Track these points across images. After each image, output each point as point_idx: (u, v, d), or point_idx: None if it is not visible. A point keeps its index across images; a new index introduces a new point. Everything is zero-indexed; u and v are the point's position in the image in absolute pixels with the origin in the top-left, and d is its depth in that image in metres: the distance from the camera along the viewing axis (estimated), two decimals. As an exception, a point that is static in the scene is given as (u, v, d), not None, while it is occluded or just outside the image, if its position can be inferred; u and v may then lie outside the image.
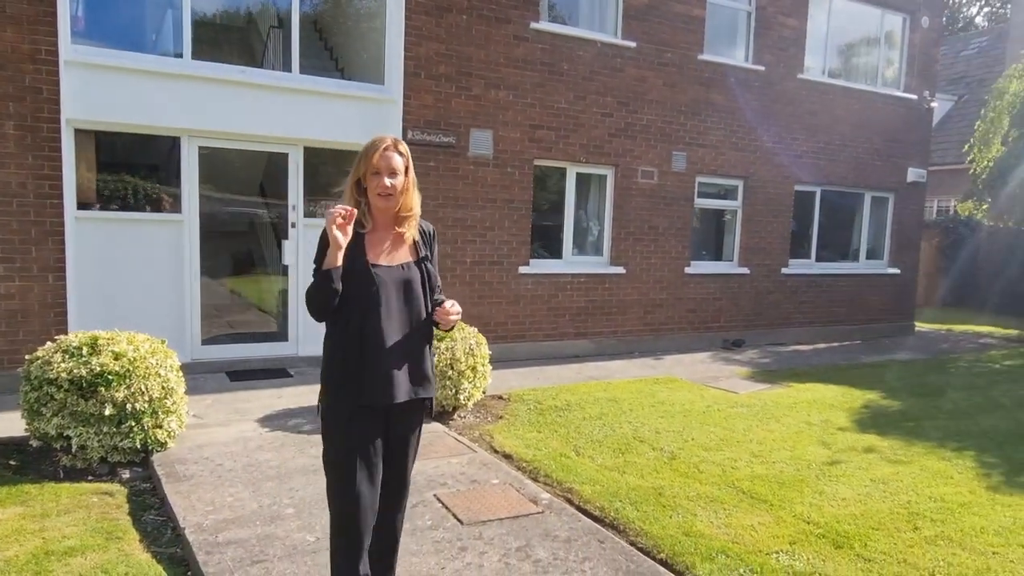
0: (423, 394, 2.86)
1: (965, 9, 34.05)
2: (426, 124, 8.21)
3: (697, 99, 10.02)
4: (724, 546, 3.84)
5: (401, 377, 2.77)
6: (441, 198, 8.32)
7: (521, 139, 8.80)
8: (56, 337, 5.24)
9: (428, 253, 2.92)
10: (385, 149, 2.76)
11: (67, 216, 6.75)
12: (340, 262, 2.66)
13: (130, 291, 7.20)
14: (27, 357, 5.04)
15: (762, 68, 10.52)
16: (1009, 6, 30.12)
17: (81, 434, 4.80)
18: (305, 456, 5.10)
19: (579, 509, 4.31)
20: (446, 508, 4.18)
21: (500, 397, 7.05)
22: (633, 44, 9.37)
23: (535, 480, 4.82)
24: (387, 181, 2.74)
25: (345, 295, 2.71)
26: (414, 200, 2.85)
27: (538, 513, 4.15)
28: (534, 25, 8.70)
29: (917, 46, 12.18)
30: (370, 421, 2.77)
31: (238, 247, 8.60)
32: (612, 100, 9.36)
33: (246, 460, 5.01)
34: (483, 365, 6.37)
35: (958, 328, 14.11)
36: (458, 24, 8.28)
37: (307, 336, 8.05)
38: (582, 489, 4.60)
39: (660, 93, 9.70)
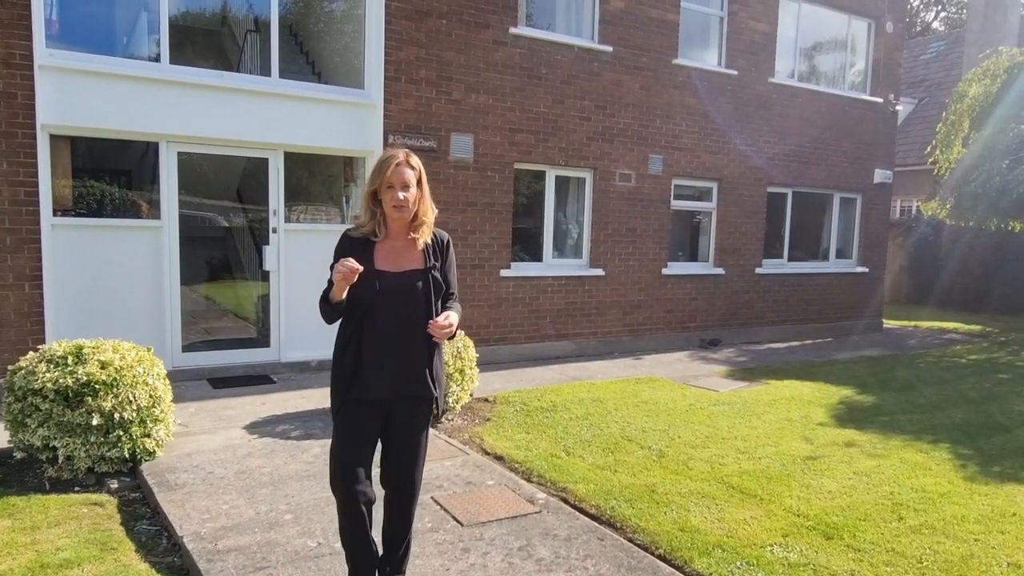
0: (419, 392, 3.00)
1: (923, 14, 35.00)
2: (407, 128, 8.22)
3: (672, 103, 10.17)
4: (720, 540, 3.93)
5: (395, 375, 2.94)
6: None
7: (501, 143, 8.85)
8: (39, 347, 5.16)
9: (437, 261, 3.06)
10: (397, 164, 2.90)
11: (43, 223, 6.62)
12: (344, 296, 2.86)
13: (109, 299, 7.09)
14: (9, 368, 4.95)
15: (734, 72, 10.72)
16: (965, 12, 31.04)
17: (68, 444, 4.73)
18: (297, 462, 5.09)
19: (575, 508, 4.37)
20: (445, 510, 4.21)
21: (486, 399, 7.09)
22: (610, 48, 9.49)
23: (529, 480, 4.87)
24: (400, 195, 2.89)
25: (350, 297, 2.88)
26: (427, 210, 3.00)
27: (536, 513, 4.21)
28: (513, 30, 8.76)
29: (882, 51, 12.53)
30: (364, 415, 2.95)
31: (218, 253, 8.52)
32: (590, 104, 9.47)
33: (237, 467, 4.98)
34: (471, 368, 6.41)
35: (924, 324, 14.51)
36: (438, 29, 8.31)
37: (289, 342, 8.01)
38: (576, 488, 4.66)
39: (636, 97, 9.84)
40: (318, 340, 8.07)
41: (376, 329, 2.90)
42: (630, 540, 3.95)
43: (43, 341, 6.58)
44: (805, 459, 5.41)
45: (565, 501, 4.48)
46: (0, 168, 6.41)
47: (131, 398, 4.90)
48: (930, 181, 19.77)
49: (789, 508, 4.40)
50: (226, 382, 7.49)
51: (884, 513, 4.39)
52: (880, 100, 12.54)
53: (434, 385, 3.03)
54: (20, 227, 6.53)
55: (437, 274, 3.02)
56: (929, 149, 14.96)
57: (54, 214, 6.79)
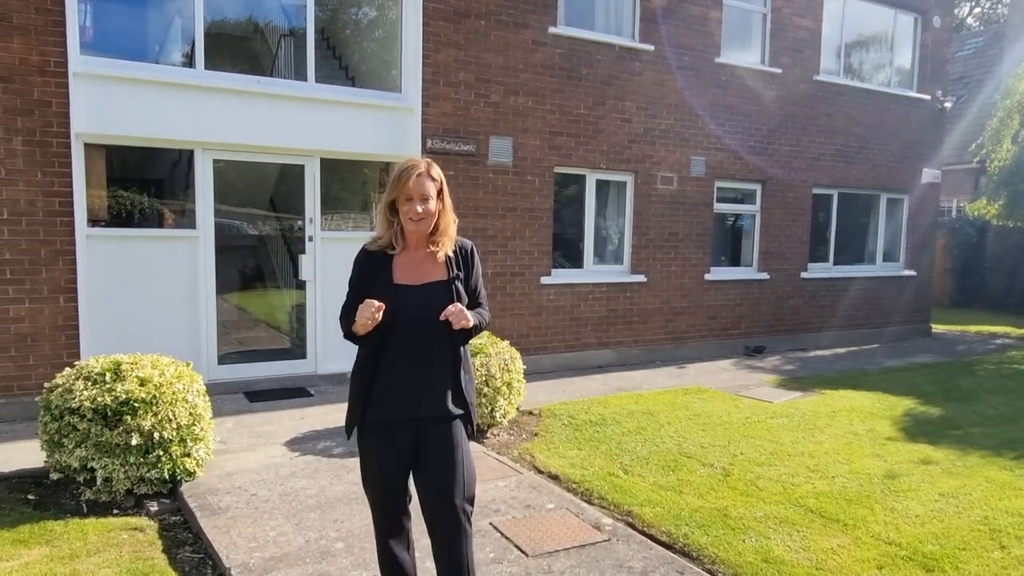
0: (445, 411, 2.79)
1: (956, 10, 34.18)
2: (445, 132, 7.98)
3: (715, 102, 9.84)
4: (809, 573, 3.60)
5: (418, 393, 2.77)
6: (462, 207, 8.06)
7: (541, 146, 8.58)
8: (75, 363, 4.98)
9: (461, 272, 2.89)
10: (418, 176, 2.74)
11: (78, 234, 6.46)
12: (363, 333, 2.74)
13: (143, 311, 6.92)
14: (46, 385, 4.76)
15: (778, 70, 10.35)
16: (999, 7, 30.27)
17: (106, 466, 4.53)
18: (343, 483, 4.84)
19: (645, 535, 4.06)
20: (506, 538, 3.93)
21: (531, 412, 6.81)
22: (651, 47, 9.18)
23: (589, 502, 4.57)
24: (418, 207, 2.74)
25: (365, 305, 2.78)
26: (448, 222, 2.84)
27: (604, 541, 3.90)
28: (552, 30, 8.50)
29: (929, 46, 12.07)
30: (389, 435, 2.79)
31: (253, 263, 8.34)
32: (631, 105, 9.16)
33: (281, 489, 4.74)
34: (518, 381, 6.13)
35: (972, 329, 13.96)
36: (476, 30, 8.07)
37: (326, 354, 7.78)
38: (642, 512, 4.36)
39: (678, 97, 9.51)
40: (356, 351, 7.85)
41: (397, 346, 2.74)
42: (710, 573, 3.63)
43: (78, 355, 6.43)
44: (882, 479, 5.05)
45: (632, 527, 4.18)
46: (35, 178, 6.26)
47: (171, 416, 4.68)
48: (971, 180, 19.20)
49: (878, 535, 4.06)
50: (262, 395, 7.28)
51: (983, 541, 4.03)
52: (928, 97, 12.08)
53: (463, 402, 2.84)
54: (54, 238, 6.37)
55: (460, 285, 2.84)
56: (974, 147, 14.48)
57: (88, 225, 6.63)
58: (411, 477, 2.86)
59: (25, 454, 5.41)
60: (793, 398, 7.67)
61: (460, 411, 2.82)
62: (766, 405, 7.31)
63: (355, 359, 2.86)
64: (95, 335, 6.61)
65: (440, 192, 2.80)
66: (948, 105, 12.33)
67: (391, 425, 2.77)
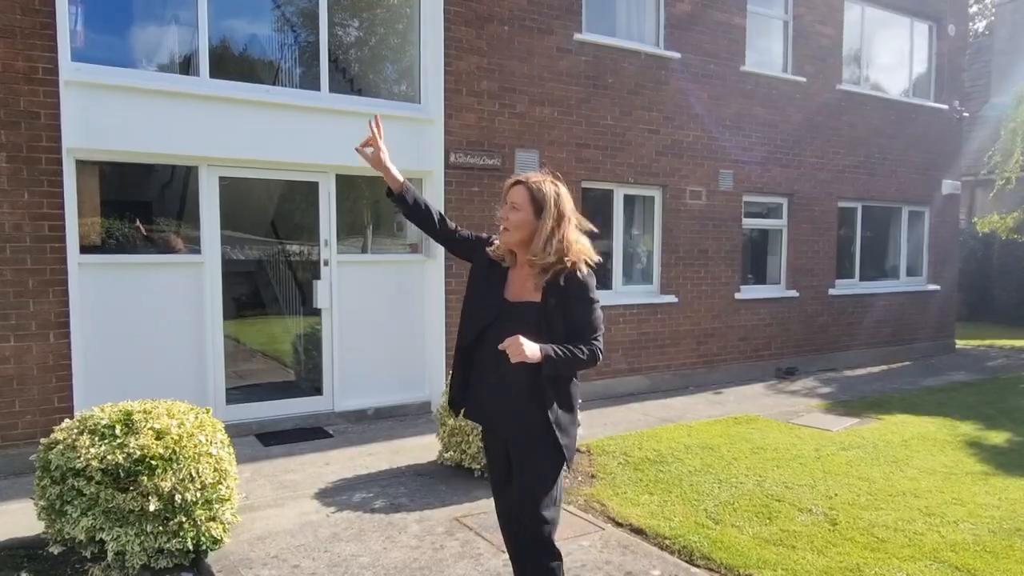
0: (519, 431, 2.73)
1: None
2: (469, 145, 7.38)
3: (741, 112, 9.37)
4: (1000, 654, 2.99)
5: (492, 406, 2.80)
6: (487, 227, 7.45)
7: (568, 159, 8.00)
8: (72, 411, 4.25)
9: (557, 299, 2.66)
10: (515, 183, 2.74)
11: (70, 262, 5.69)
12: (389, 182, 2.99)
13: (143, 347, 6.15)
14: (43, 441, 4.01)
15: (803, 79, 9.94)
16: (975, 22, 30.64)
17: (119, 537, 3.79)
18: (398, 547, 4.13)
19: (780, 607, 3.43)
20: (623, 619, 3.26)
21: (579, 450, 6.14)
22: (677, 55, 8.69)
23: (693, 563, 3.92)
24: (506, 215, 2.70)
25: (466, 313, 2.87)
26: (544, 241, 2.65)
27: (740, 619, 3.26)
28: (578, 36, 7.96)
29: (945, 55, 11.80)
30: (488, 437, 2.98)
31: (262, 291, 7.61)
32: (658, 115, 8.65)
33: (327, 557, 4.02)
34: (575, 417, 5.47)
35: (993, 343, 13.62)
36: (499, 35, 7.50)
37: (344, 388, 7.06)
38: (764, 576, 3.72)
39: (705, 107, 9.03)
40: (375, 385, 7.19)
41: (482, 356, 2.78)
42: (882, 658, 3.00)
43: (70, 399, 5.65)
44: (1013, 524, 4.46)
45: (760, 596, 3.54)
46: (21, 200, 5.51)
47: (193, 474, 3.96)
48: (966, 193, 19.04)
49: (1052, 598, 3.47)
50: (276, 437, 6.54)
51: None
52: (945, 107, 11.78)
53: (543, 426, 2.66)
54: (44, 267, 5.60)
55: (555, 312, 2.66)
56: (987, 157, 14.26)
57: (81, 251, 5.87)
58: None
59: (12, 518, 4.63)
60: (851, 425, 7.12)
61: (539, 434, 2.68)
62: (828, 434, 6.75)
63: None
64: (89, 376, 5.83)
65: (540, 208, 2.64)
66: (966, 115, 12.04)
67: (486, 429, 2.95)
